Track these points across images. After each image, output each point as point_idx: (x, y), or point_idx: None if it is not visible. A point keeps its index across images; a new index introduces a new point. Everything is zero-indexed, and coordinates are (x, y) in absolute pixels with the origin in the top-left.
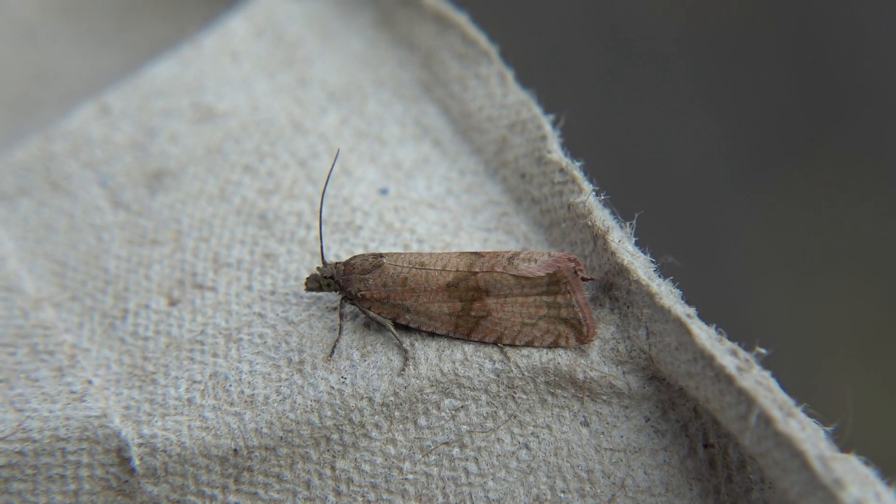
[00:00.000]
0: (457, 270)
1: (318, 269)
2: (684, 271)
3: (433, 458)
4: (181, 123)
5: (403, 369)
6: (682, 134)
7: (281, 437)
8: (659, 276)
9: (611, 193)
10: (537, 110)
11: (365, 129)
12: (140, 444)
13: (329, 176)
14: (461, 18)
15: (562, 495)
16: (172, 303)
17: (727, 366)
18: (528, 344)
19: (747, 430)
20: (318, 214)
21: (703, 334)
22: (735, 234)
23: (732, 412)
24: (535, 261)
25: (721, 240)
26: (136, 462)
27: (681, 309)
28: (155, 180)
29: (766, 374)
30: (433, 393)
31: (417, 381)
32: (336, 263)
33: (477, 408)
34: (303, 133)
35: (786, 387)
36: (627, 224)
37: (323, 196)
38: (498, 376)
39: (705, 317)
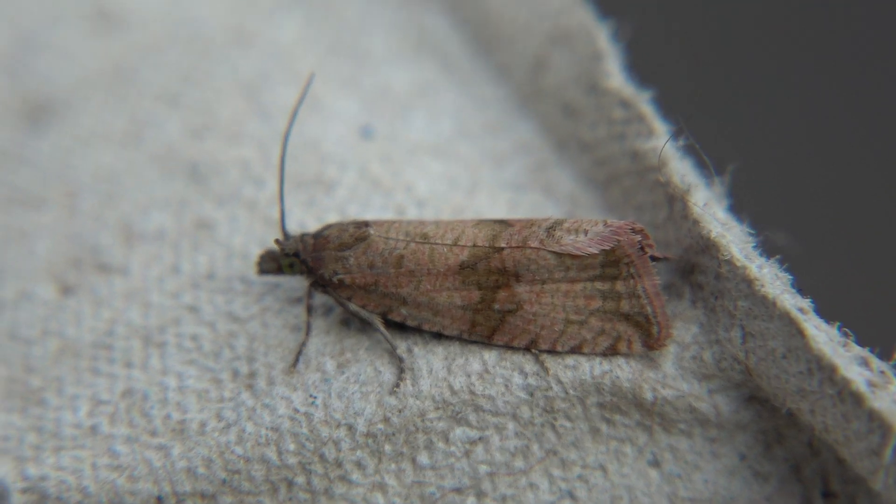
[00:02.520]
0: (474, 245)
1: (276, 242)
2: (798, 250)
3: None
4: (73, 32)
5: (397, 385)
6: (809, 50)
7: (223, 481)
8: (761, 256)
9: (695, 136)
10: (590, 15)
11: (339, 40)
12: (25, 490)
13: (297, 110)
14: None
15: None
16: (66, 290)
17: (855, 380)
18: (575, 350)
19: (881, 470)
20: (279, 165)
21: (822, 336)
22: (877, 199)
23: (862, 445)
24: (586, 232)
25: (855, 206)
26: None
27: (791, 301)
28: (38, 113)
29: None
30: (439, 419)
31: (417, 403)
32: (302, 235)
33: (501, 440)
34: (247, 45)
35: None
36: (717, 181)
37: (286, 139)
38: (532, 396)
39: (826, 312)
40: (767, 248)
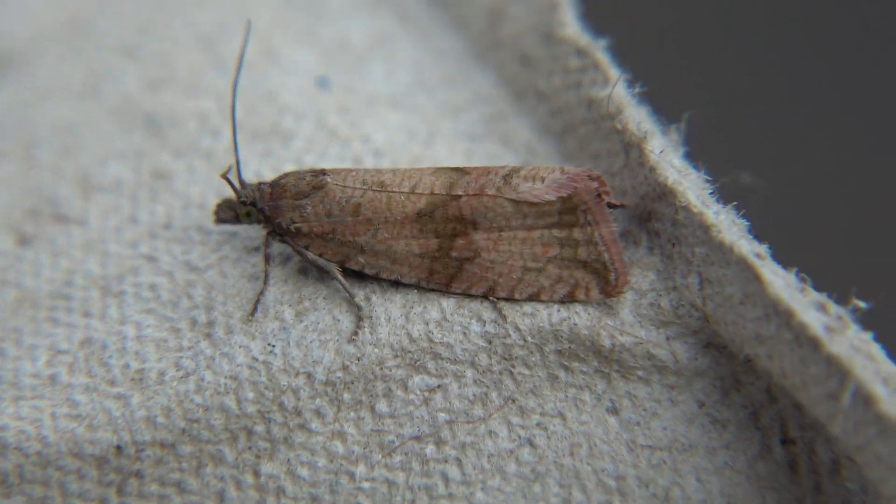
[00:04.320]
0: (431, 193)
1: (224, 178)
2: (755, 197)
3: (398, 459)
4: None
5: (356, 333)
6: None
7: (183, 430)
8: (717, 202)
9: (650, 84)
10: None
11: None
12: None
13: (241, 59)
14: None
15: None
16: (23, 241)
17: (812, 325)
18: (533, 297)
19: (839, 415)
20: (231, 115)
21: (779, 281)
22: (835, 143)
23: (819, 390)
24: (543, 179)
25: (812, 152)
26: None
27: (748, 247)
28: None
29: (867, 336)
30: (398, 367)
31: (376, 351)
32: (259, 184)
33: (460, 388)
34: None
35: (895, 354)
36: (673, 128)
37: (235, 89)
38: (490, 343)
39: (784, 258)
40: (725, 195)
